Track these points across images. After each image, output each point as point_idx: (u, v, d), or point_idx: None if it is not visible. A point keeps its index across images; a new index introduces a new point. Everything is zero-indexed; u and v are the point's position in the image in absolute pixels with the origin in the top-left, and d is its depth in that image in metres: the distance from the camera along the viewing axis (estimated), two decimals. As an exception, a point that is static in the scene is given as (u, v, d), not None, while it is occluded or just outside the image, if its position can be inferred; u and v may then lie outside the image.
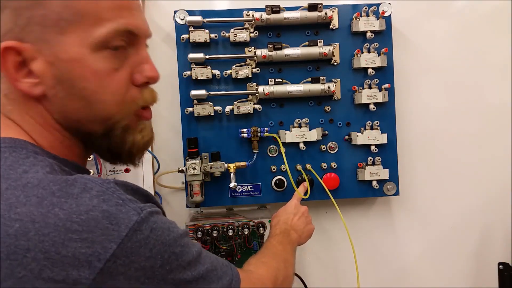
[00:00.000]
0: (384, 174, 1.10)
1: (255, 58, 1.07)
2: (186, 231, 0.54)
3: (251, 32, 1.07)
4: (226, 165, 1.05)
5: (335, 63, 1.11)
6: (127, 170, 1.07)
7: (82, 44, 0.49)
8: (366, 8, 1.08)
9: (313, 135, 1.09)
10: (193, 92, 1.06)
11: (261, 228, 1.05)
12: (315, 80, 1.09)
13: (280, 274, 0.73)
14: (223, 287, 0.54)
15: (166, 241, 0.48)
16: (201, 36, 1.06)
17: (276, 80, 1.09)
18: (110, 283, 0.43)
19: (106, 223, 0.43)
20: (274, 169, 1.11)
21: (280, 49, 1.07)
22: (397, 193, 1.14)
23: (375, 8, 1.09)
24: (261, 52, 1.07)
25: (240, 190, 1.11)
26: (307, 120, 1.09)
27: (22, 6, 0.46)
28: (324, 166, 1.11)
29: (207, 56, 1.06)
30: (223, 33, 1.07)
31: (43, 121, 0.52)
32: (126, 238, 0.43)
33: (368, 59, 1.09)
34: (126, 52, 0.53)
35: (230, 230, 1.03)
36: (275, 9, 1.06)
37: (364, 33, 1.10)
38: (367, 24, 1.09)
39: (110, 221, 0.43)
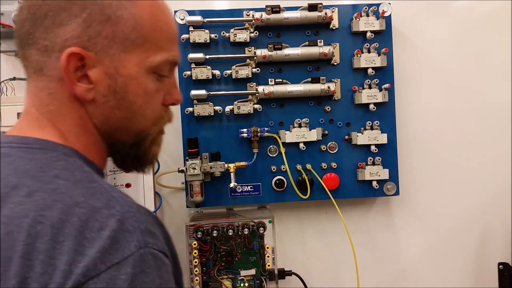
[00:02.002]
0: (384, 174, 1.10)
1: (255, 58, 1.07)
2: None
3: (251, 32, 1.07)
4: (226, 165, 1.05)
5: (335, 63, 1.11)
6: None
7: (140, 64, 0.55)
8: (366, 8, 1.08)
9: (313, 135, 1.09)
10: (193, 92, 1.06)
11: (261, 228, 1.05)
12: (315, 80, 1.09)
13: None
14: None
15: None
16: (201, 36, 1.06)
17: (276, 80, 1.09)
18: None
19: (108, 243, 0.44)
20: (274, 169, 1.11)
21: (280, 49, 1.07)
22: (397, 193, 1.14)
23: (375, 8, 1.09)
24: (261, 52, 1.07)
25: (240, 190, 1.11)
26: (307, 120, 1.09)
27: (95, 19, 0.51)
28: (324, 166, 1.11)
29: (207, 56, 1.06)
30: (223, 33, 1.07)
31: (82, 124, 0.56)
32: (115, 266, 0.43)
33: (368, 59, 1.09)
34: (165, 76, 0.60)
35: (230, 230, 1.03)
36: (275, 9, 1.06)
37: (364, 33, 1.10)
38: (367, 24, 1.09)
39: (112, 245, 0.44)
